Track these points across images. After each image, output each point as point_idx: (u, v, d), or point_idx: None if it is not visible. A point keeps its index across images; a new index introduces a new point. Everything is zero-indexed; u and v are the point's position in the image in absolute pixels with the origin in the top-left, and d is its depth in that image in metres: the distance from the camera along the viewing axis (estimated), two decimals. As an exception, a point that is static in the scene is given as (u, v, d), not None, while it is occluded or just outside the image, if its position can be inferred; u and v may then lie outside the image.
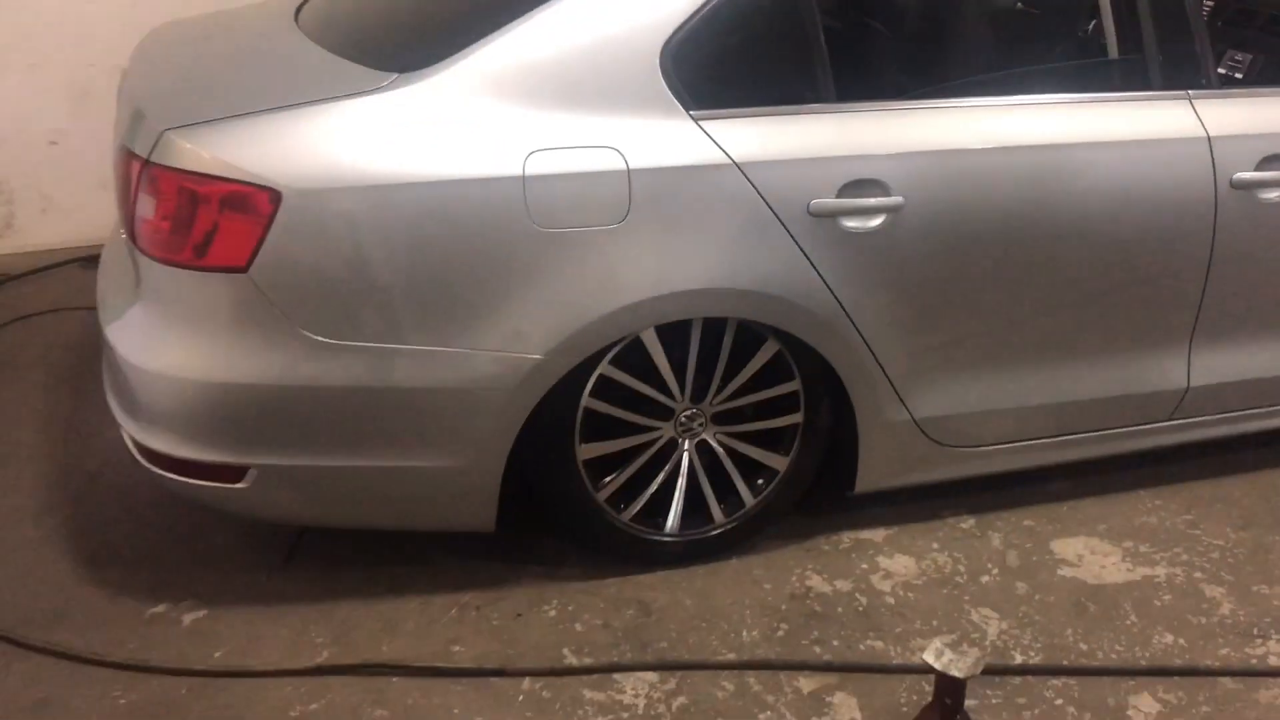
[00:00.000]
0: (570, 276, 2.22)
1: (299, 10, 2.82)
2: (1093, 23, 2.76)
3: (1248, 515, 2.87)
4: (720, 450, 2.55)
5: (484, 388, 2.24)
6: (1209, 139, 2.56)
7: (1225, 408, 2.87)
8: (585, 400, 2.36)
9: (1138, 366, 2.73)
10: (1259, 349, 2.82)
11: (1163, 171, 2.55)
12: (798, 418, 2.54)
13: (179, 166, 2.11)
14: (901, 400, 2.55)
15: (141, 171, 2.17)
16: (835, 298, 2.38)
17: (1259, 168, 2.59)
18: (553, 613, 2.47)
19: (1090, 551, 2.72)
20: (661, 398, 2.44)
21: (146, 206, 2.17)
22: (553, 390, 2.29)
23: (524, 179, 2.16)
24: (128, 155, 2.24)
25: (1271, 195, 2.61)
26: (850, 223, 2.34)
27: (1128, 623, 2.50)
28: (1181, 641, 2.45)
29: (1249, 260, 2.68)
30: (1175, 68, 2.58)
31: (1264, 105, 2.69)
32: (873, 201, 2.34)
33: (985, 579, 2.62)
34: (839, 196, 2.32)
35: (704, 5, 2.26)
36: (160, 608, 2.45)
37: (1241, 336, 2.78)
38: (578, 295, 2.23)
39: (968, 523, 2.81)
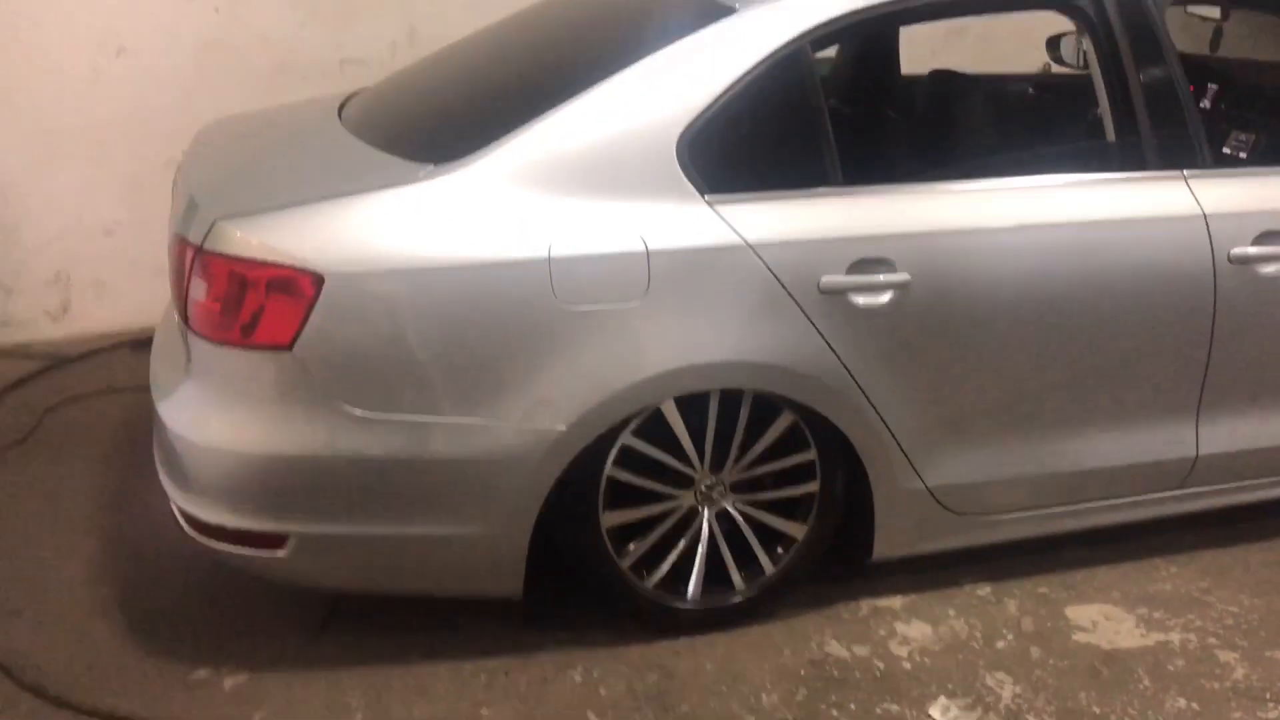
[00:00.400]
0: (594, 351, 2.34)
1: (342, 106, 3.01)
2: (1092, 108, 2.89)
3: (1262, 582, 2.92)
4: (740, 518, 2.64)
5: (512, 457, 2.36)
6: (1205, 216, 2.66)
7: (1236, 476, 2.94)
8: (609, 469, 2.47)
9: (1147, 436, 2.81)
10: (1267, 418, 2.88)
11: (1162, 248, 2.65)
12: (814, 486, 2.63)
13: (229, 253, 2.27)
14: (915, 469, 2.64)
15: (194, 257, 2.33)
16: (847, 370, 2.49)
17: (1256, 243, 2.69)
18: (578, 677, 2.55)
19: (1105, 617, 2.77)
20: (682, 467, 2.54)
21: (198, 290, 2.32)
22: (577, 460, 2.40)
23: (549, 261, 2.30)
24: (182, 242, 2.40)
25: (1269, 269, 2.71)
26: (859, 299, 2.46)
27: (1141, 686, 2.54)
28: (1194, 705, 2.49)
29: (1251, 332, 2.76)
30: (1170, 149, 2.70)
31: (1259, 183, 2.80)
32: (881, 279, 2.46)
33: (1000, 644, 2.67)
34: (848, 274, 2.44)
35: (717, 99, 2.41)
36: (203, 672, 2.55)
37: (1248, 406, 2.85)
38: (601, 369, 2.35)
39: (984, 590, 2.87)
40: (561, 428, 2.35)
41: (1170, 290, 2.67)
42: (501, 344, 2.32)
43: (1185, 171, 2.71)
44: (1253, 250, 2.69)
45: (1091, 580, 2.91)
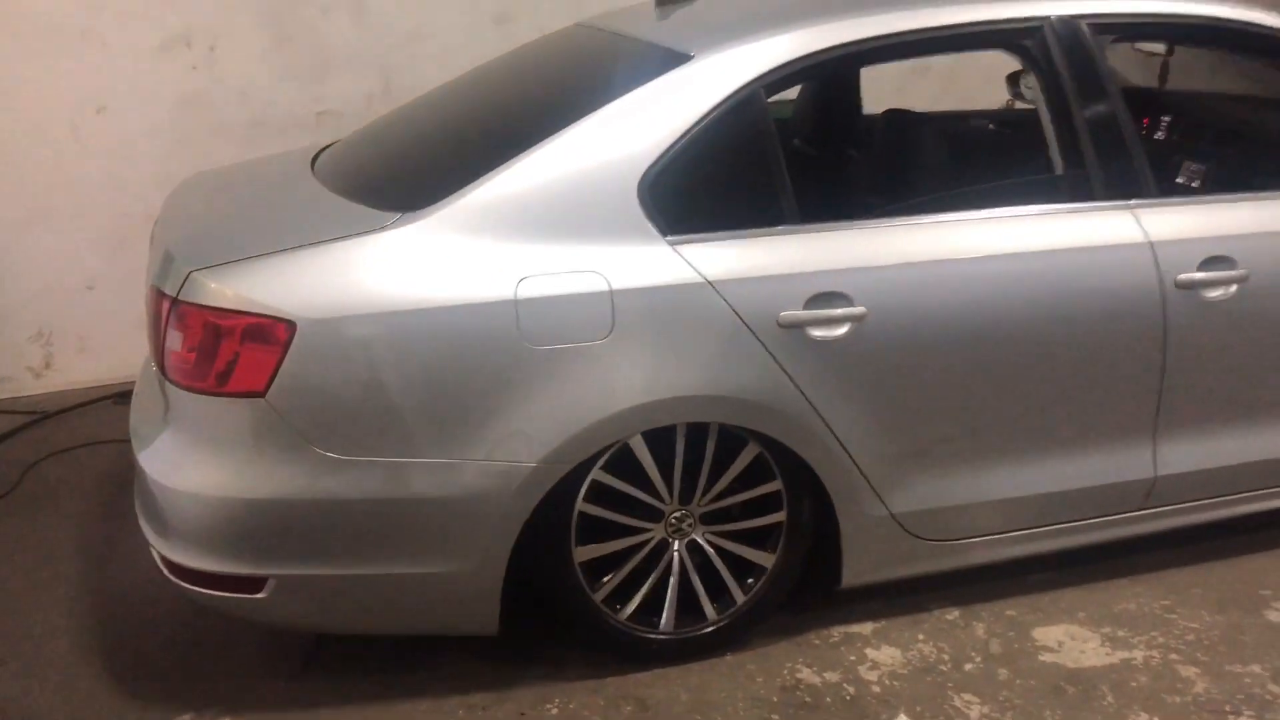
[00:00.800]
0: (561, 389, 2.41)
1: (315, 159, 3.10)
2: (1041, 142, 2.98)
3: (1223, 599, 2.98)
4: (710, 549, 2.70)
5: (485, 495, 2.41)
6: (1151, 244, 2.75)
7: (1195, 495, 3.01)
8: (579, 505, 2.53)
9: (1106, 459, 2.88)
10: (1221, 438, 2.96)
11: (1111, 275, 2.73)
12: (781, 516, 2.70)
13: (204, 303, 2.33)
14: (879, 497, 2.70)
15: (170, 309, 2.39)
16: (808, 401, 2.56)
17: (1200, 268, 2.78)
18: (554, 711, 2.60)
19: (1070, 638, 2.83)
20: (651, 500, 2.61)
21: (175, 340, 2.39)
22: (549, 496, 2.46)
23: (516, 302, 2.37)
24: (158, 294, 2.46)
25: (1214, 294, 2.80)
26: (817, 332, 2.54)
27: (1105, 703, 2.60)
28: (1157, 719, 2.54)
29: (1200, 354, 2.84)
30: (1116, 180, 2.79)
31: (1202, 211, 2.90)
32: (838, 312, 2.54)
33: (969, 666, 2.73)
34: (806, 308, 2.52)
35: (675, 143, 2.50)
36: (187, 715, 2.59)
37: (1203, 426, 2.93)
38: (568, 406, 2.42)
39: (952, 614, 2.93)
40: (532, 464, 2.41)
41: (1121, 316, 2.75)
42: (470, 384, 2.38)
43: (1132, 201, 2.80)
44: (1198, 276, 2.78)
45: (1058, 602, 2.97)
